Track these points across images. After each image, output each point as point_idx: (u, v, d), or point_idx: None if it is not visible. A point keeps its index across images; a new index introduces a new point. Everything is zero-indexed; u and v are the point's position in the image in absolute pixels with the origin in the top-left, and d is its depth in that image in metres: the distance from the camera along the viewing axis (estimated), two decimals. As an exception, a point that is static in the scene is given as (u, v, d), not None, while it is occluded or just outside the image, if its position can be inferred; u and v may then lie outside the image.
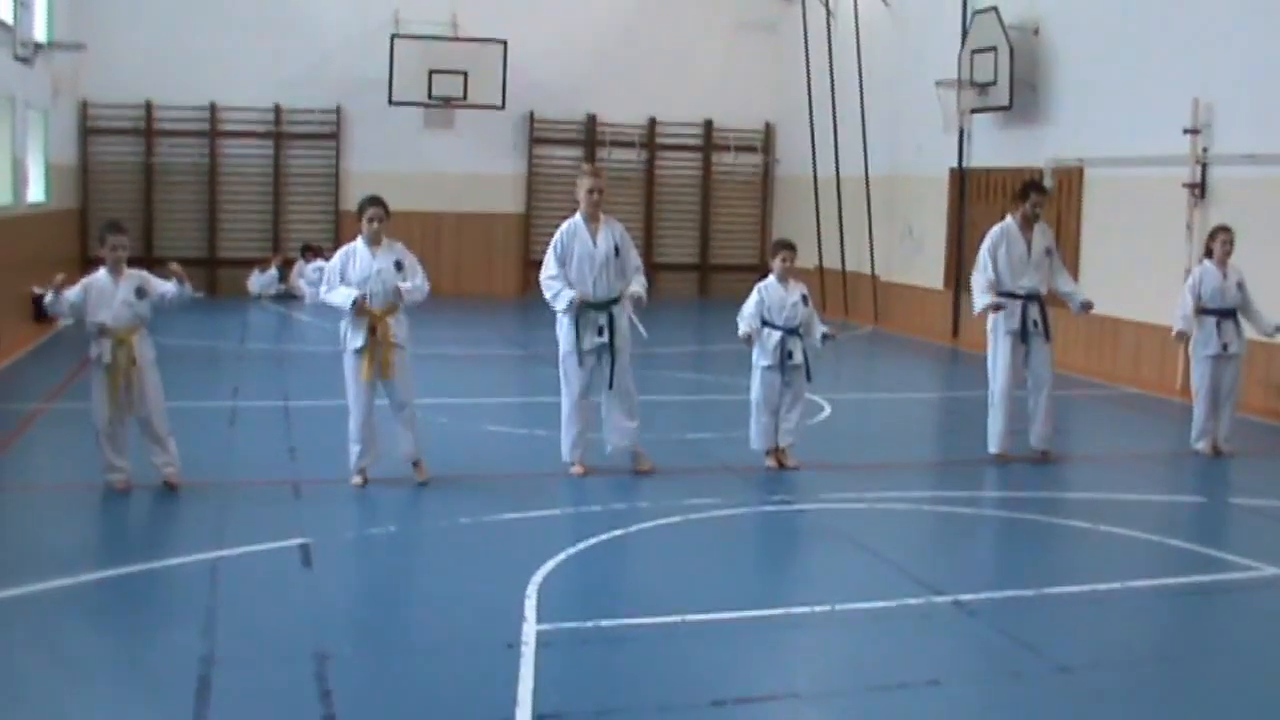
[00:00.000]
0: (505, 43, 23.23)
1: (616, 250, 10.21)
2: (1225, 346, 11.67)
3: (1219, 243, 11.76)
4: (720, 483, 10.15)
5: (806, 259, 24.34)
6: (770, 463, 10.65)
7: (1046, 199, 12.13)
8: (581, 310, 10.09)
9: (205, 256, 23.34)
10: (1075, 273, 17.47)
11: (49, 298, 9.20)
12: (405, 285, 9.66)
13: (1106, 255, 16.96)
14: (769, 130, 26.11)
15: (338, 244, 23.35)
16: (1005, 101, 18.18)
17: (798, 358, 10.55)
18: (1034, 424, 11.32)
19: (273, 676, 6.10)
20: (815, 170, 23.46)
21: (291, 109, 23.58)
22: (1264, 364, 13.64)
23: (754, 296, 10.58)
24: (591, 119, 25.13)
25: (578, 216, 10.26)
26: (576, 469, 10.29)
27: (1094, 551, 8.78)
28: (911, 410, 14.50)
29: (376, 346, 9.65)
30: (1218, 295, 11.66)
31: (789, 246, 10.72)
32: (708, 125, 25.79)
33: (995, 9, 18.25)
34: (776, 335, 10.52)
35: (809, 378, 10.71)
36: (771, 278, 10.62)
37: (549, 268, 10.17)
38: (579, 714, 5.72)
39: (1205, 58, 15.20)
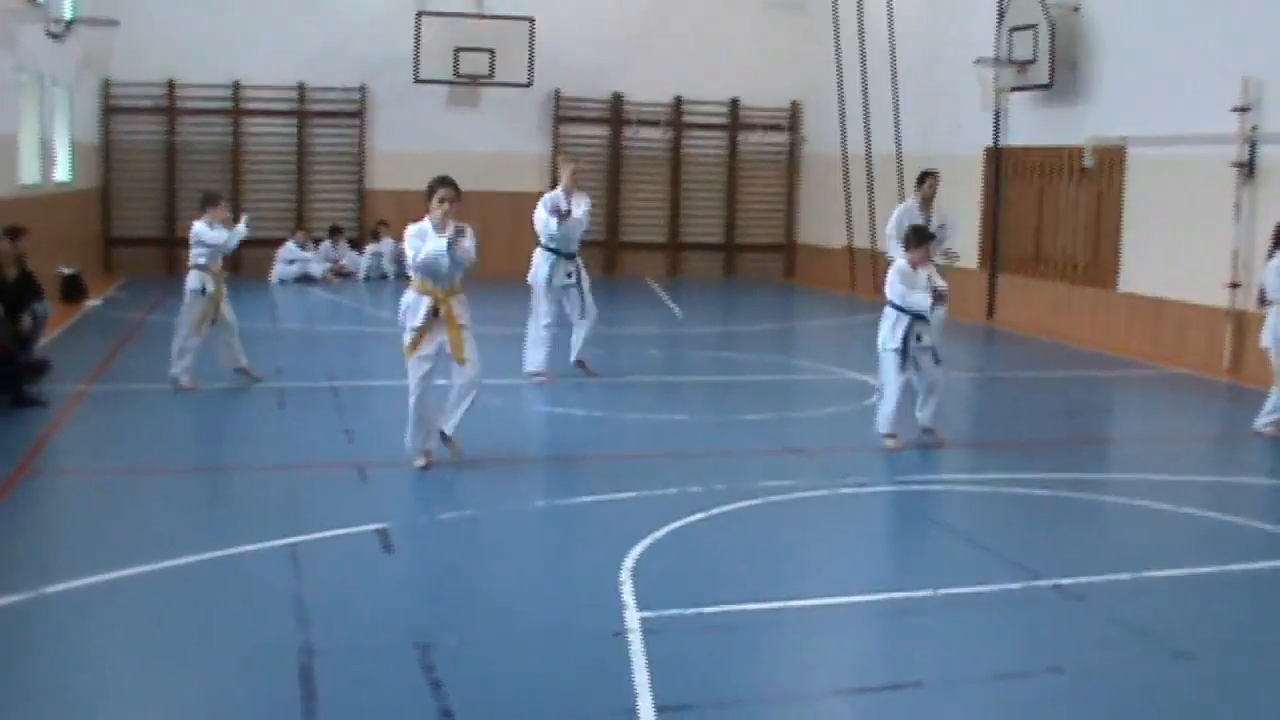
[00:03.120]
0: (532, 20, 23.00)
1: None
2: None
3: None
4: (790, 465, 9.99)
5: (835, 238, 24.28)
6: (892, 444, 10.60)
7: (938, 180, 13.99)
8: (556, 257, 13.38)
9: (229, 237, 23.09)
10: (1115, 251, 17.37)
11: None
12: (465, 242, 9.47)
13: (1149, 234, 16.79)
14: (795, 109, 25.89)
15: (362, 223, 23.50)
16: (1045, 80, 17.98)
17: (926, 340, 10.67)
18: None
19: (377, 667, 5.91)
20: (845, 149, 23.24)
21: (316, 87, 23.35)
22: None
23: (894, 276, 10.65)
24: (617, 97, 24.91)
25: (560, 189, 13.54)
26: (543, 378, 13.19)
27: (1182, 534, 8.62)
28: (960, 390, 14.30)
29: (438, 327, 9.49)
30: None
31: (927, 235, 11.11)
32: (734, 104, 25.57)
33: (1035, -14, 18.04)
34: (906, 320, 10.60)
35: (937, 360, 10.72)
36: (904, 262, 10.75)
37: (549, 218, 13.32)
38: (702, 705, 5.55)
39: (1254, 34, 15.02)
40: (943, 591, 7.08)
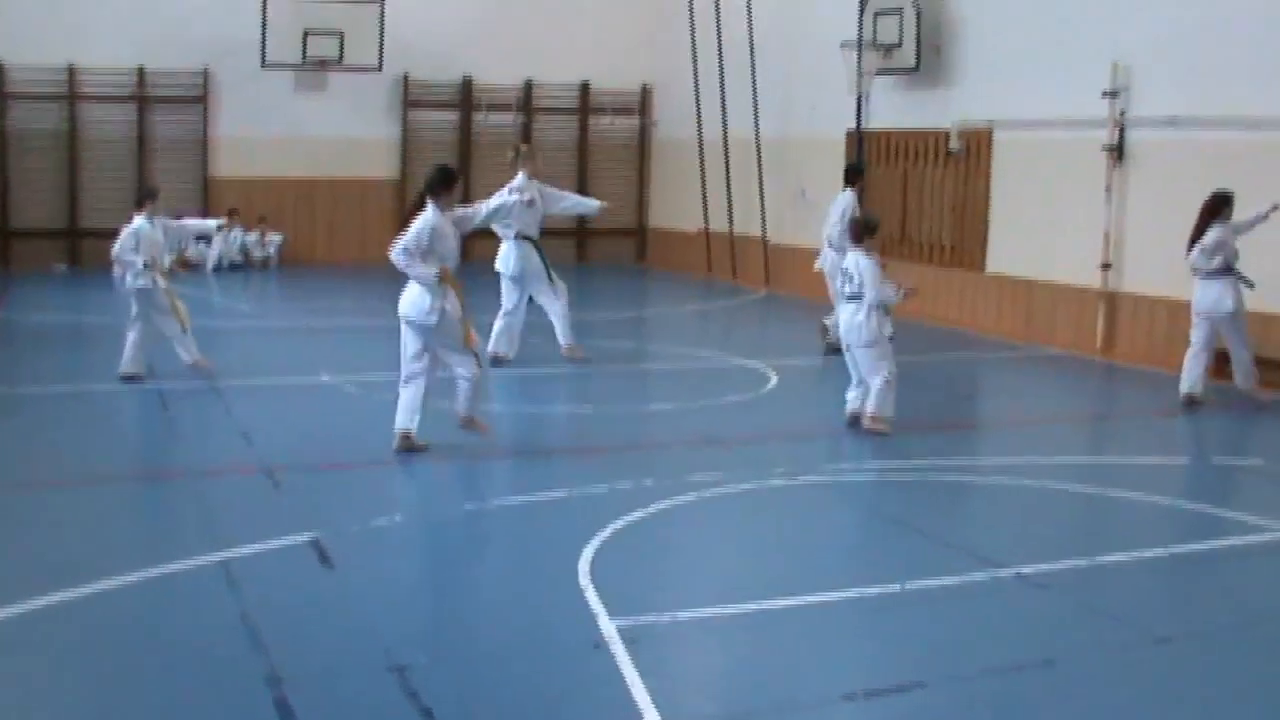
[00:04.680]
0: (382, 2, 22.36)
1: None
2: None
3: None
4: (711, 456, 9.78)
5: (689, 222, 24.17)
6: (886, 429, 10.55)
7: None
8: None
9: (66, 227, 22.05)
10: (983, 234, 17.57)
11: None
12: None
13: (1017, 217, 16.97)
14: (646, 92, 25.69)
15: (206, 212, 22.57)
16: (911, 63, 18.05)
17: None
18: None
19: (355, 694, 5.54)
20: (700, 132, 23.12)
21: (156, 71, 22.30)
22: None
23: (876, 277, 10.55)
24: (467, 81, 24.40)
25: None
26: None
27: (1118, 517, 8.69)
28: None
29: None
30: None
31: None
32: (584, 87, 25.25)
33: (899, -30, 18.09)
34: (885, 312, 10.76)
35: None
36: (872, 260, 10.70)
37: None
38: (714, 718, 5.33)
39: (1122, 19, 15.25)
40: (911, 586, 6.96)
